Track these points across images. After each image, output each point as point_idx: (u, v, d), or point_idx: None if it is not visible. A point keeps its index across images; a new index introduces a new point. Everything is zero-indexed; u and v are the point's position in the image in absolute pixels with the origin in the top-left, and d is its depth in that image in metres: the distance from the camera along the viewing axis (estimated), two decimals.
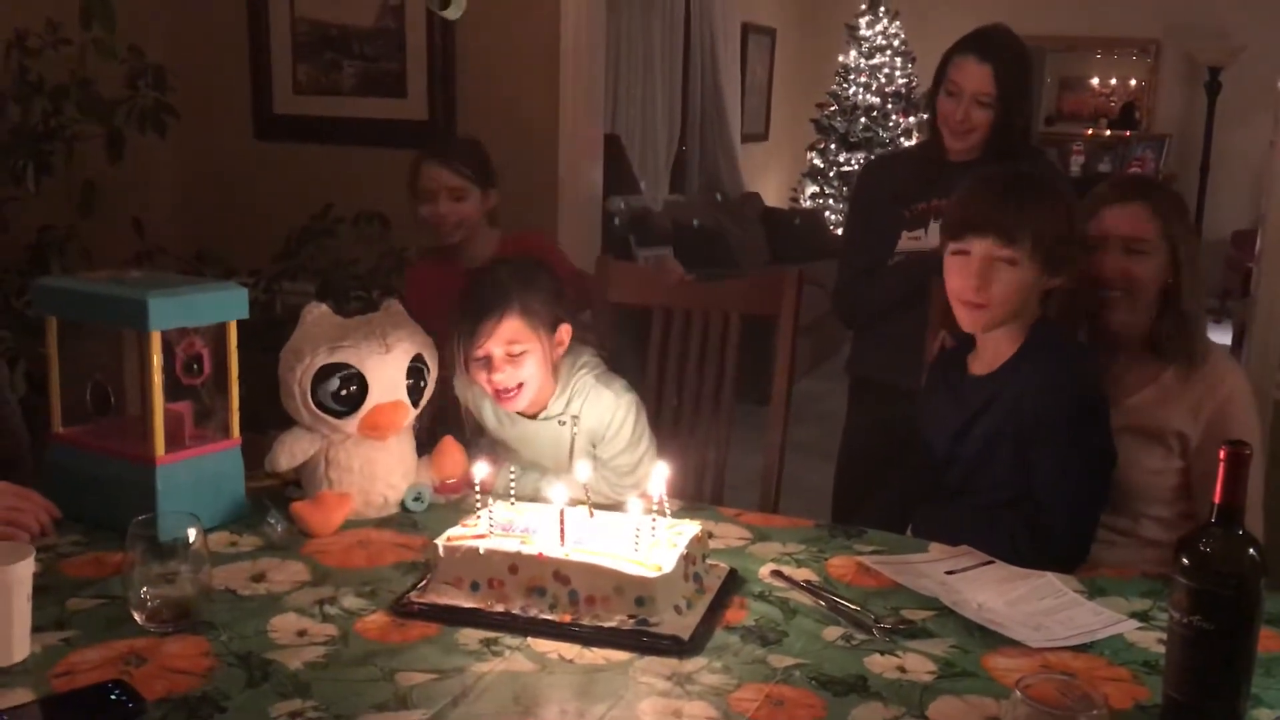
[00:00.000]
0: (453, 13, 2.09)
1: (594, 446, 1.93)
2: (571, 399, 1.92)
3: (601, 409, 1.92)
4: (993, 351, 1.82)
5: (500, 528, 1.53)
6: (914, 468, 1.96)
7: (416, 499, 1.85)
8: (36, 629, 1.35)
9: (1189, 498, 1.87)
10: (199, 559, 1.43)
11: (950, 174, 2.47)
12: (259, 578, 1.57)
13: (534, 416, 1.93)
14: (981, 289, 1.76)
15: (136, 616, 1.40)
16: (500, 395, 1.87)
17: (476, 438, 2.07)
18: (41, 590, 1.40)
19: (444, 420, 2.08)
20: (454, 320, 1.87)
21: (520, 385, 1.86)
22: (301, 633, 1.41)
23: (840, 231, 7.54)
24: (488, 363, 1.85)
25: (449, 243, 2.58)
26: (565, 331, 1.91)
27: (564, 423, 1.92)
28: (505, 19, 3.11)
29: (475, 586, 1.47)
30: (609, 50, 4.20)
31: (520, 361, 1.84)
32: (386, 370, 1.78)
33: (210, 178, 3.61)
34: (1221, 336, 6.81)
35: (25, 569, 1.32)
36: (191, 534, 1.42)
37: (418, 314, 2.04)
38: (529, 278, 1.89)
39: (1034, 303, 1.80)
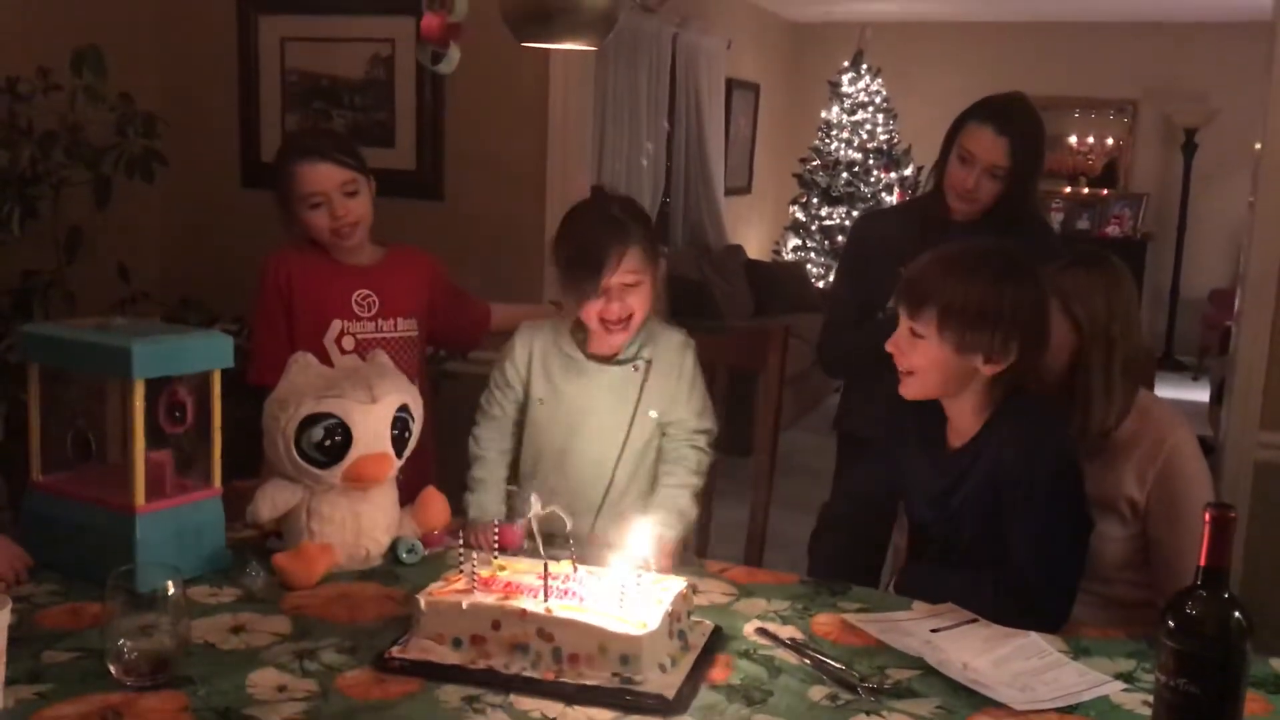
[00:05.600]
0: (445, 68, 2.11)
1: (666, 400, 1.99)
2: (644, 344, 1.99)
3: (672, 351, 1.99)
4: (963, 423, 1.79)
5: (483, 583, 1.52)
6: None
7: (410, 550, 1.83)
8: (10, 681, 1.33)
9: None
10: (178, 611, 1.41)
11: (952, 234, 2.36)
12: (239, 630, 1.55)
13: (608, 360, 1.98)
14: (899, 356, 1.77)
15: (113, 669, 1.37)
16: (611, 326, 1.92)
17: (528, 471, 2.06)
18: (16, 641, 1.37)
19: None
20: (567, 257, 1.90)
21: (631, 315, 1.92)
22: (281, 688, 1.39)
23: (822, 285, 7.60)
24: (605, 294, 1.88)
25: (349, 246, 2.29)
26: (663, 267, 1.97)
27: (638, 367, 1.98)
28: (495, 74, 3.13)
29: (458, 643, 1.46)
30: (595, 103, 4.24)
31: (634, 292, 1.91)
32: (371, 421, 1.77)
33: (196, 225, 3.61)
34: (1199, 394, 6.86)
35: (0, 620, 1.30)
36: (171, 586, 1.40)
37: (284, 297, 2.15)
38: (639, 211, 1.97)
39: (976, 381, 1.73)
